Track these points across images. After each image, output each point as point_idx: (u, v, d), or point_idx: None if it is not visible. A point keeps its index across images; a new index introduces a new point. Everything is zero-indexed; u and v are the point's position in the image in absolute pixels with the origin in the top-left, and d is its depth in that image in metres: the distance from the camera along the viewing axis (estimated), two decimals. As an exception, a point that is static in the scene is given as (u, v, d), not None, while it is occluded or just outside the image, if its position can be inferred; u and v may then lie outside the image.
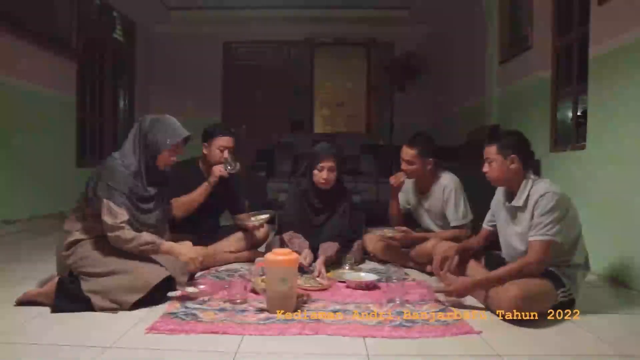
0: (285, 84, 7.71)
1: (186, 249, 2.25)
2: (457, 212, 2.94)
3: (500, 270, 2.10)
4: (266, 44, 7.79)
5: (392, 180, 3.04)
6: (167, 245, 2.22)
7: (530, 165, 2.24)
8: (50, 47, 4.75)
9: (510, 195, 2.26)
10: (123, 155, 2.24)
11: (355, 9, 7.16)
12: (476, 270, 2.39)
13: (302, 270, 2.62)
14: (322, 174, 2.90)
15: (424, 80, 7.51)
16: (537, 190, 2.11)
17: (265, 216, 3.04)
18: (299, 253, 2.68)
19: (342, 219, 3.00)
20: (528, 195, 2.14)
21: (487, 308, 2.11)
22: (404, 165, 2.99)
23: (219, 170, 2.88)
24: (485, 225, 2.47)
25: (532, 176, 2.20)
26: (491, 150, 2.23)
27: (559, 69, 3.80)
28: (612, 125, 2.93)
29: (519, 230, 2.20)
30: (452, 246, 2.45)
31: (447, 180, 2.99)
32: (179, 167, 2.93)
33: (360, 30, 7.57)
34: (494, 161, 2.21)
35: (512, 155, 2.18)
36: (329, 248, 2.81)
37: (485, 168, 2.26)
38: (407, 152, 2.96)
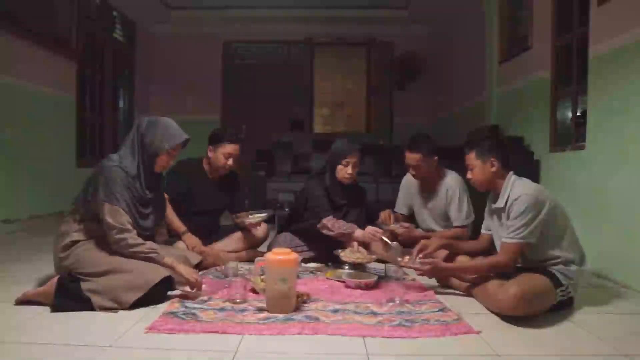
0: (285, 84, 7.72)
1: (187, 270, 2.24)
2: (461, 212, 2.95)
3: (475, 263, 2.22)
4: (266, 43, 7.80)
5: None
6: (169, 261, 2.21)
7: (510, 165, 2.26)
8: (50, 47, 4.75)
9: (495, 198, 2.29)
10: (122, 158, 2.23)
11: (355, 8, 7.16)
12: (462, 259, 2.43)
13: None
14: (348, 169, 2.93)
15: (424, 80, 7.53)
16: (514, 193, 2.14)
17: (263, 215, 3.03)
18: (350, 233, 2.79)
19: (357, 213, 3.05)
20: (508, 197, 2.18)
21: (492, 312, 2.10)
22: (411, 170, 3.01)
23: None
24: (484, 231, 2.48)
25: (512, 177, 2.22)
26: (471, 157, 2.27)
27: (559, 69, 3.80)
28: (612, 125, 2.93)
29: (502, 230, 2.22)
30: (435, 240, 2.47)
31: (452, 181, 3.00)
32: (184, 165, 2.95)
33: (360, 30, 7.58)
34: (475, 166, 2.25)
35: (492, 159, 2.21)
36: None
37: (469, 175, 2.31)
38: (413, 158, 2.95)
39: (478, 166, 2.25)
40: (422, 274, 2.32)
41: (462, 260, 2.44)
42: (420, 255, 2.38)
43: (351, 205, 3.06)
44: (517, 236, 2.07)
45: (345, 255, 2.71)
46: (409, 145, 2.98)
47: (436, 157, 2.98)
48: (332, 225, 2.85)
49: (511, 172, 2.24)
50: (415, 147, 2.93)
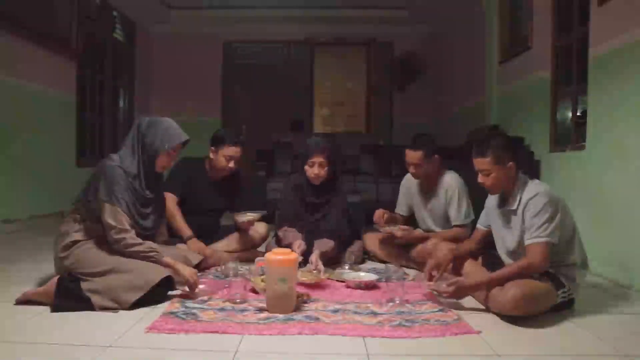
0: (285, 84, 7.72)
1: (186, 270, 2.25)
2: (460, 211, 2.95)
3: (499, 273, 2.08)
4: (266, 44, 7.80)
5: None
6: (169, 261, 2.22)
7: (520, 165, 2.20)
8: (50, 47, 4.75)
9: (502, 199, 2.24)
10: (122, 158, 2.24)
11: (355, 8, 7.16)
12: (473, 269, 2.38)
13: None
14: (313, 170, 2.91)
15: (424, 80, 7.53)
16: (528, 193, 2.10)
17: (255, 214, 3.02)
18: (292, 244, 2.73)
19: (337, 215, 2.99)
20: (520, 198, 2.13)
21: (488, 310, 2.10)
22: (412, 169, 2.99)
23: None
24: (480, 226, 2.45)
25: (522, 177, 2.18)
26: (485, 162, 2.14)
27: (559, 69, 3.80)
28: (612, 126, 2.93)
29: (513, 233, 2.18)
30: (446, 254, 2.39)
31: (451, 180, 3.00)
32: (187, 164, 2.95)
33: (360, 30, 7.58)
34: (492, 172, 2.13)
35: (511, 163, 2.13)
36: (323, 244, 2.81)
37: (482, 179, 2.19)
38: (413, 156, 2.94)
39: (496, 171, 2.13)
40: (449, 297, 2.16)
41: (469, 265, 2.39)
42: (436, 278, 2.29)
43: (329, 205, 3.01)
44: (544, 234, 2.01)
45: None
46: (410, 143, 2.98)
47: (437, 156, 2.98)
48: (283, 236, 2.89)
49: (520, 172, 2.18)
50: (416, 146, 2.93)
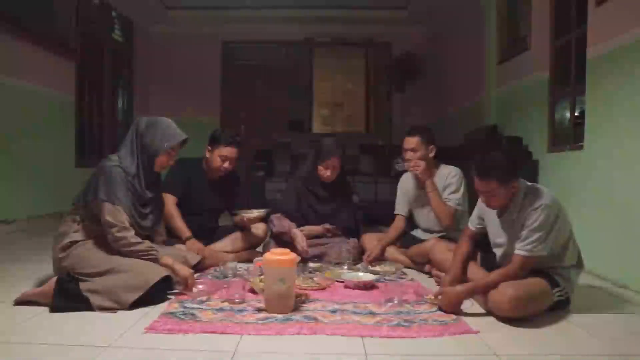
0: (284, 84, 7.72)
1: (183, 270, 2.26)
2: (456, 195, 2.92)
3: (482, 281, 2.11)
4: (265, 44, 7.80)
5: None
6: (167, 260, 2.22)
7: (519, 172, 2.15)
8: (49, 47, 4.75)
9: (503, 208, 2.19)
10: (121, 158, 2.24)
11: (354, 9, 7.16)
12: (477, 274, 2.33)
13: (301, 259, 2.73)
14: (327, 172, 3.10)
15: (423, 81, 7.53)
16: (532, 202, 2.06)
17: (262, 211, 3.05)
18: (289, 232, 2.99)
19: (347, 210, 3.26)
20: (523, 206, 2.10)
21: (489, 313, 2.09)
22: (408, 155, 2.97)
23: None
24: (471, 226, 2.41)
25: (523, 185, 2.14)
26: (492, 185, 2.07)
27: (557, 70, 3.80)
28: (610, 126, 2.93)
29: (514, 239, 2.14)
30: (448, 277, 2.33)
31: (451, 169, 2.99)
32: (185, 164, 2.97)
33: (359, 30, 7.58)
34: (499, 192, 2.08)
35: (514, 182, 2.09)
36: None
37: (485, 199, 2.16)
38: (410, 141, 2.96)
39: (502, 191, 2.08)
40: (441, 307, 2.12)
41: (472, 269, 2.37)
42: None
43: (338, 200, 3.23)
44: (534, 249, 2.01)
45: (297, 280, 2.46)
46: (407, 131, 3.02)
47: (433, 146, 2.97)
48: (277, 222, 3.07)
49: (520, 180, 2.15)
50: (414, 132, 2.99)
